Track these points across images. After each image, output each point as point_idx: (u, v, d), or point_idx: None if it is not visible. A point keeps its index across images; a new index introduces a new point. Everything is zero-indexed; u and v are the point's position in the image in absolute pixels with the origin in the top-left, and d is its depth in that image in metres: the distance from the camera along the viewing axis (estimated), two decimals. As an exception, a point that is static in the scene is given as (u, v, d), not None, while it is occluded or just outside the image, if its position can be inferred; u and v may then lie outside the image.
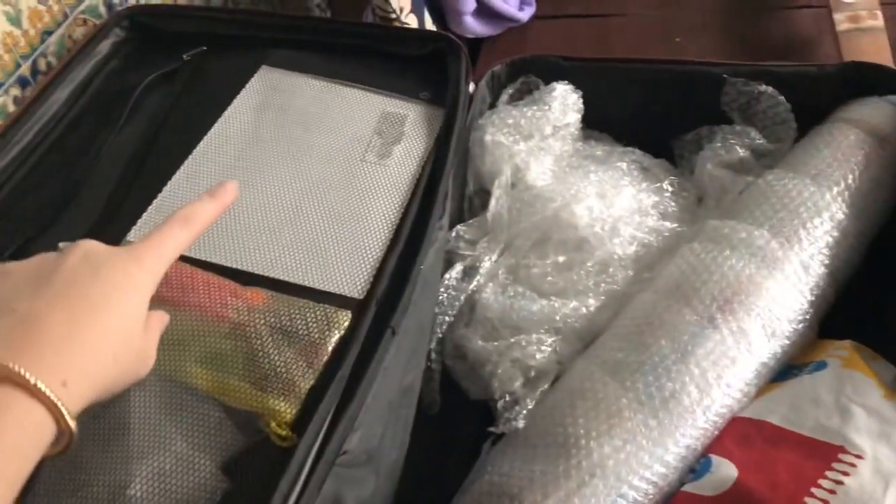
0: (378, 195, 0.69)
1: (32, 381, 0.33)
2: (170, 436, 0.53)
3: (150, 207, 0.67)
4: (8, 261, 0.64)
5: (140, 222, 0.65)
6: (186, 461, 0.52)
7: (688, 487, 0.56)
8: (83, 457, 0.53)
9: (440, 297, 0.72)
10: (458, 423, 0.74)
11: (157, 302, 0.59)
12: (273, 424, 0.53)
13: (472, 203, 0.82)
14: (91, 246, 0.41)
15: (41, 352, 0.34)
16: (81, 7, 0.91)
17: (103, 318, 0.38)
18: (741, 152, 0.76)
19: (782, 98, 0.76)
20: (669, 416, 0.58)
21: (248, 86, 0.78)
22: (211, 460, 0.52)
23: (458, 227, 0.76)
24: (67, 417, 0.34)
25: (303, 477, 0.51)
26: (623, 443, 0.57)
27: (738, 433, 0.58)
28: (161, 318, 0.50)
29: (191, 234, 0.45)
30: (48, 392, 0.33)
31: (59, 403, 0.33)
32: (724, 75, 0.78)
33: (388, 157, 0.73)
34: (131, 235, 0.64)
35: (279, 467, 0.51)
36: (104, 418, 0.54)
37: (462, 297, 0.72)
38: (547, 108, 0.76)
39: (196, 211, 0.46)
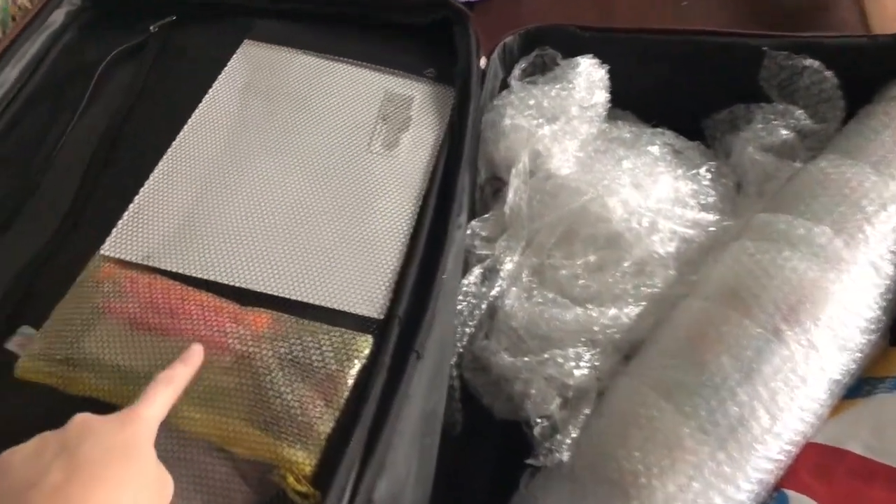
0: (389, 192, 0.60)
1: None
2: (166, 497, 0.44)
3: (128, 211, 0.57)
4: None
5: (117, 230, 0.56)
6: (188, 531, 0.44)
7: (763, 530, 0.50)
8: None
9: (459, 307, 0.63)
10: (478, 442, 0.66)
11: (143, 330, 0.50)
12: (291, 479, 0.45)
13: (483, 192, 0.73)
14: (85, 418, 0.42)
15: None
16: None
17: (114, 472, 0.39)
18: (784, 134, 0.68)
19: (830, 73, 0.68)
20: (739, 446, 0.51)
21: (229, 65, 0.68)
22: (219, 527, 0.44)
23: (473, 222, 0.68)
24: None
25: (330, 544, 0.43)
26: (689, 480, 0.50)
27: (814, 463, 0.52)
28: None
29: (175, 391, 0.46)
30: None
31: None
32: (764, 48, 0.70)
33: (395, 147, 0.64)
34: (107, 246, 0.54)
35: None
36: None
37: (483, 305, 0.64)
38: (571, 86, 0.68)
39: (176, 372, 0.46)
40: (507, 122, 0.67)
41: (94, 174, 0.63)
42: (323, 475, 0.45)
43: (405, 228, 0.58)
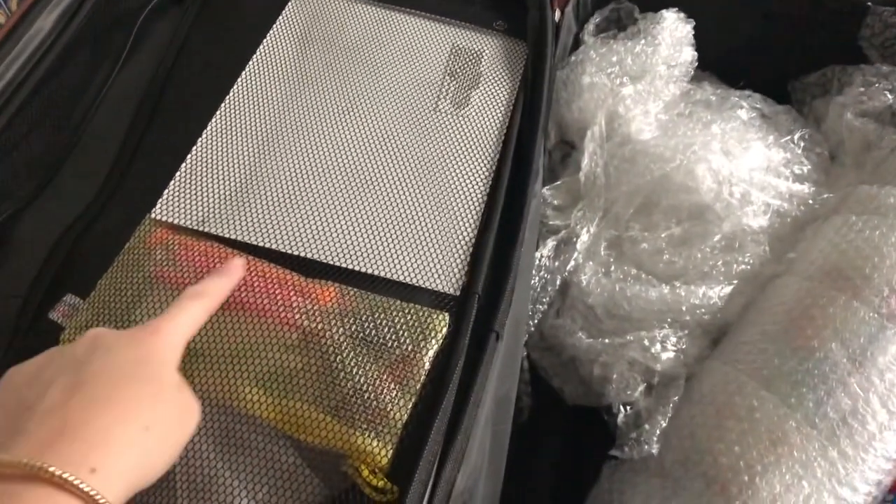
0: (460, 155, 0.55)
1: (58, 473, 0.30)
2: (228, 490, 0.40)
3: (180, 171, 0.52)
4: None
5: (169, 191, 0.51)
6: (253, 525, 0.39)
7: (882, 536, 0.45)
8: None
9: (532, 282, 0.58)
10: (544, 428, 0.62)
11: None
12: (366, 472, 0.40)
13: (552, 157, 0.68)
14: (98, 331, 0.38)
15: (61, 444, 0.31)
16: None
17: (123, 393, 0.34)
18: (888, 98, 0.62)
19: (941, 32, 0.62)
20: (853, 443, 0.46)
21: (283, 14, 0.62)
22: (286, 522, 0.40)
23: (545, 190, 0.63)
24: (103, 502, 0.31)
25: (411, 546, 0.39)
26: (796, 479, 0.45)
27: (937, 465, 0.47)
28: None
29: (204, 309, 0.41)
30: (77, 482, 0.30)
31: (91, 491, 0.30)
32: (868, 3, 0.64)
33: (465, 106, 0.58)
34: (158, 209, 0.50)
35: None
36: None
37: (557, 281, 0.59)
38: (656, 42, 0.62)
39: (207, 286, 0.42)
40: (586, 79, 0.62)
41: (140, 129, 0.58)
42: (399, 467, 0.41)
43: (479, 196, 0.53)
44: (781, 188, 0.60)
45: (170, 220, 0.49)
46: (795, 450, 0.46)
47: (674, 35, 0.63)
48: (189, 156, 0.53)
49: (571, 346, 0.57)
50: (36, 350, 0.43)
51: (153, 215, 0.49)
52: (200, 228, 0.49)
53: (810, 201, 0.60)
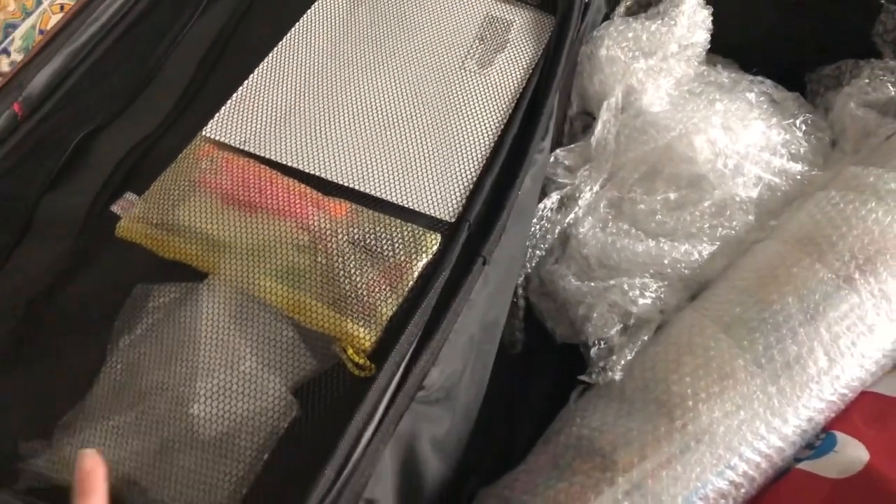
0: (477, 108, 0.62)
1: None
2: (239, 353, 0.48)
3: (232, 98, 0.61)
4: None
5: (220, 114, 0.60)
6: (255, 381, 0.48)
7: (805, 465, 0.50)
8: (145, 367, 0.49)
9: (532, 229, 0.65)
10: (538, 364, 0.68)
11: (232, 204, 0.54)
12: (350, 351, 0.48)
13: (573, 126, 0.74)
14: None
15: None
16: None
17: None
18: (892, 91, 0.66)
19: (950, 32, 0.65)
20: (791, 383, 0.51)
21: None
22: (282, 382, 0.48)
23: (558, 151, 0.69)
24: None
25: (380, 412, 0.46)
26: (736, 408, 0.50)
27: (871, 411, 0.51)
28: None
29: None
30: None
31: None
32: (883, 0, 0.68)
33: (489, 66, 0.65)
34: (209, 128, 0.59)
35: (354, 398, 0.46)
36: (170, 328, 0.50)
37: (556, 230, 0.65)
38: (672, 22, 0.67)
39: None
40: (603, 52, 0.68)
41: (208, 67, 0.67)
42: (380, 353, 0.48)
43: (487, 143, 0.60)
44: (775, 164, 0.65)
45: (217, 137, 0.58)
46: (739, 384, 0.51)
47: (691, 18, 0.68)
48: (241, 87, 0.61)
49: (563, 289, 0.63)
50: (99, 236, 0.53)
51: (204, 133, 0.58)
52: (242, 147, 0.57)
53: (799, 178, 0.64)
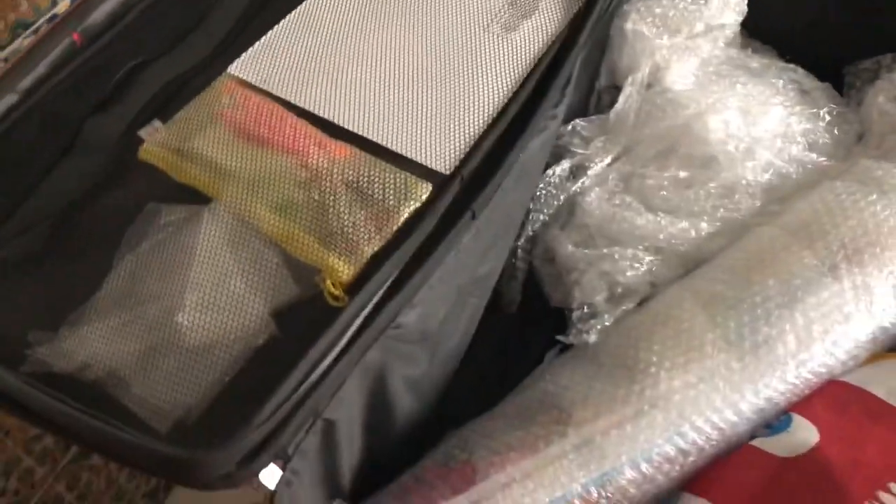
0: (494, 69, 0.64)
1: None
2: (228, 272, 0.52)
3: (259, 42, 0.65)
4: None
5: (246, 54, 0.64)
6: (238, 299, 0.51)
7: (757, 442, 0.50)
8: (145, 278, 0.53)
9: (539, 193, 0.66)
10: (535, 327, 0.70)
11: (243, 138, 0.58)
12: (328, 282, 0.51)
13: (601, 99, 0.75)
14: None
15: None
16: None
17: None
18: (924, 88, 0.64)
19: None
20: (757, 362, 0.51)
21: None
22: (263, 303, 0.51)
23: (577, 121, 0.70)
24: None
25: (344, 340, 0.49)
26: (697, 380, 0.51)
27: (832, 398, 0.51)
28: None
29: None
30: None
31: None
32: (926, -5, 0.66)
33: (514, 31, 0.67)
34: (234, 66, 0.63)
35: (327, 326, 0.49)
36: (172, 245, 0.54)
37: (562, 197, 0.67)
38: (702, 2, 0.67)
39: None
40: (629, 26, 0.68)
41: (247, 17, 0.71)
42: (357, 287, 0.51)
43: (497, 104, 0.61)
44: (791, 152, 0.64)
45: (242, 76, 0.62)
46: (705, 357, 0.52)
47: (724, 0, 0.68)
48: (269, 32, 0.65)
49: (560, 255, 0.65)
50: (127, 159, 0.58)
51: (230, 70, 0.62)
52: (262, 87, 0.61)
53: (811, 168, 0.63)
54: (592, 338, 0.57)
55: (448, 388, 0.63)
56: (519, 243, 0.67)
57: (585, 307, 0.60)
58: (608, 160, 0.67)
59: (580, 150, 0.68)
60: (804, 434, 0.49)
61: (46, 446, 1.01)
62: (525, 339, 0.70)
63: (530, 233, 0.67)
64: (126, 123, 0.64)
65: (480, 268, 0.61)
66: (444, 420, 0.63)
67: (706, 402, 0.50)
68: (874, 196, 0.56)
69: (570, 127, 0.70)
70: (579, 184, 0.66)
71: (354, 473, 0.56)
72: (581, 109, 0.74)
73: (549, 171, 0.67)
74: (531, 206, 0.67)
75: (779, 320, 0.52)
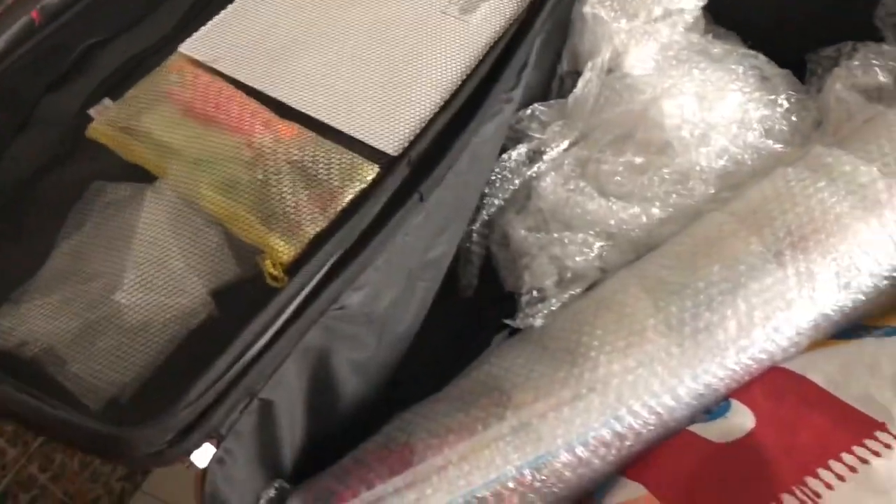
0: (448, 52, 0.63)
1: None
2: (168, 252, 0.52)
3: (211, 21, 0.65)
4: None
5: (198, 33, 0.64)
6: (177, 279, 0.51)
7: (694, 427, 0.50)
8: (87, 256, 0.53)
9: (495, 177, 0.66)
10: (491, 312, 0.69)
11: (191, 117, 0.58)
12: (268, 262, 0.51)
13: (563, 84, 0.74)
14: None
15: None
16: None
17: None
18: (881, 77, 0.64)
19: (952, 19, 0.63)
20: (696, 348, 0.51)
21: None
22: (202, 283, 0.51)
23: (535, 105, 0.70)
24: None
25: (281, 320, 0.49)
26: (636, 364, 0.51)
27: (771, 384, 0.51)
28: None
29: None
30: None
31: None
32: (886, -18, 0.65)
33: (470, 13, 0.66)
34: (185, 45, 0.63)
35: (263, 306, 0.49)
36: (115, 223, 0.54)
37: (518, 182, 0.66)
38: (660, -14, 0.67)
39: None
40: (588, 10, 0.68)
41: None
42: (298, 268, 0.51)
43: (450, 87, 0.61)
44: (747, 139, 0.64)
45: (192, 55, 0.62)
46: (645, 342, 0.52)
47: (683, -16, 0.68)
48: (223, 11, 0.65)
49: (513, 240, 0.65)
50: (79, 136, 0.58)
51: (181, 49, 0.62)
52: (212, 65, 0.61)
53: (766, 154, 0.63)
54: (538, 322, 0.57)
55: (398, 372, 0.63)
56: (475, 227, 0.66)
57: (535, 291, 0.60)
58: (565, 145, 0.67)
59: (538, 135, 0.68)
60: (740, 420, 0.49)
61: (18, 428, 1.01)
62: (481, 324, 0.70)
63: (486, 217, 0.66)
64: (81, 101, 0.64)
65: (431, 251, 0.61)
66: (398, 404, 0.63)
67: (644, 386, 0.50)
68: (822, 183, 0.56)
69: (528, 111, 0.69)
70: (535, 168, 0.66)
71: (298, 454, 0.56)
72: (543, 94, 0.73)
73: (506, 156, 0.67)
74: (487, 191, 0.66)
75: (721, 306, 0.52)
